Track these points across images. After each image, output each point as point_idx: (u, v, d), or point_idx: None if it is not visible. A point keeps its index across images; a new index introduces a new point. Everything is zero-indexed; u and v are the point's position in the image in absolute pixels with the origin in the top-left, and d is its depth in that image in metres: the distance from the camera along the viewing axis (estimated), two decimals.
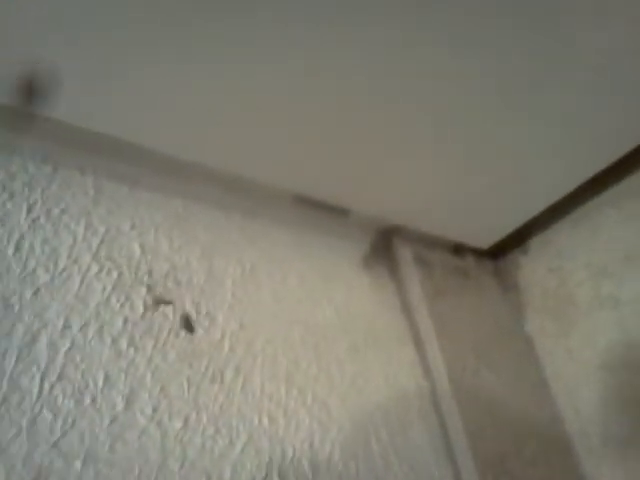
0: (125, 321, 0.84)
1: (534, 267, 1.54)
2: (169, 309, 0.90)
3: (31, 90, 0.84)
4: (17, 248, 0.80)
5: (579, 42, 0.95)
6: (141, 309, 0.87)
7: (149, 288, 0.90)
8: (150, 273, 0.91)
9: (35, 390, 0.72)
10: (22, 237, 0.82)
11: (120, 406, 0.78)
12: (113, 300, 0.85)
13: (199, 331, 0.91)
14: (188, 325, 0.90)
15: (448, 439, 1.15)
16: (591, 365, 1.35)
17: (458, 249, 1.54)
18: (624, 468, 1.26)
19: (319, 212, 1.23)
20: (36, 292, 0.79)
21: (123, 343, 0.82)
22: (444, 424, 1.17)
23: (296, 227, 1.20)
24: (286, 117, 0.99)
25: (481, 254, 1.59)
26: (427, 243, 1.46)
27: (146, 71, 0.86)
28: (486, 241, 1.55)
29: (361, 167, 1.15)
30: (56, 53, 0.80)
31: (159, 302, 0.89)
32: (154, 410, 0.80)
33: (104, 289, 0.85)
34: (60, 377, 0.75)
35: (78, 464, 0.70)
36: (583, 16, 0.91)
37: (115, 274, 0.87)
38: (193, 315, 0.92)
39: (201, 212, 1.05)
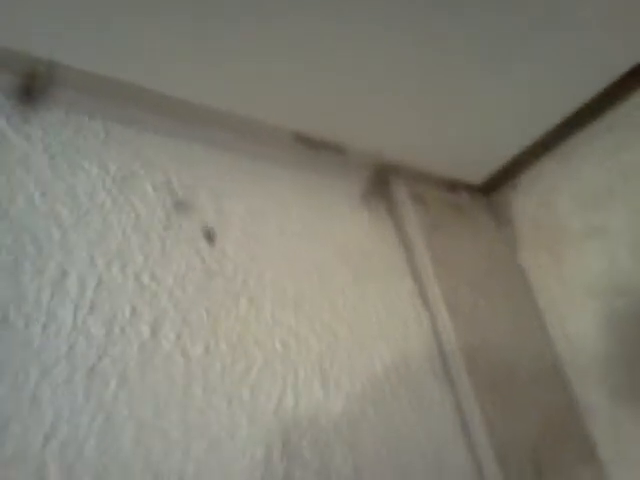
0: (146, 258, 0.90)
1: (525, 201, 1.60)
2: (188, 229, 0.97)
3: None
4: (42, 193, 0.86)
5: None
6: (159, 244, 0.92)
7: (165, 218, 0.96)
8: (164, 210, 0.97)
9: (69, 320, 0.78)
10: (45, 180, 0.87)
11: (146, 335, 0.84)
12: (133, 238, 0.90)
13: (213, 265, 0.97)
14: (218, 234, 0.98)
15: (446, 364, 1.23)
16: (581, 293, 1.43)
17: (452, 186, 1.59)
18: (609, 386, 1.35)
19: (318, 151, 1.27)
20: (63, 232, 0.84)
21: (145, 277, 0.88)
22: (442, 350, 1.24)
23: (296, 167, 1.25)
24: (285, 55, 1.02)
25: (475, 190, 1.64)
26: (422, 180, 1.50)
27: (148, 16, 0.89)
28: (479, 177, 1.60)
29: (357, 105, 1.18)
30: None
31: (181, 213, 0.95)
32: (177, 338, 0.87)
33: (123, 229, 0.90)
34: (91, 309, 0.81)
35: (114, 385, 0.77)
36: None
37: (132, 214, 0.93)
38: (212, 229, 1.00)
39: (208, 154, 1.10)
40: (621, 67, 1.26)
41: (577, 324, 1.43)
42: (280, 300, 1.03)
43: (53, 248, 0.82)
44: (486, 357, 1.27)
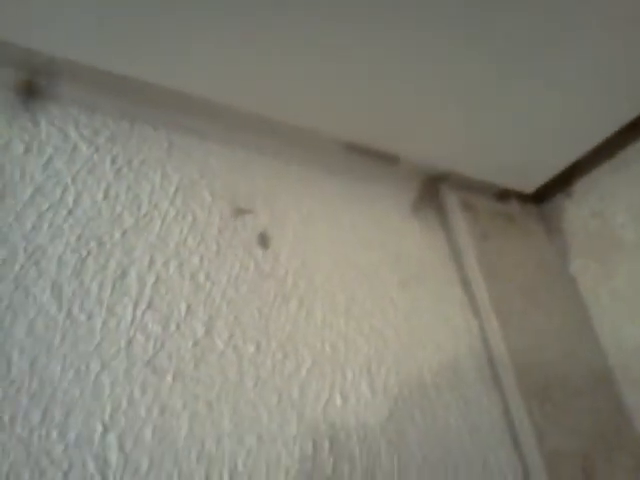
0: (201, 259, 0.94)
1: (578, 211, 1.57)
2: (243, 233, 1.00)
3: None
4: (105, 195, 0.91)
5: None
6: (214, 247, 0.97)
7: (221, 222, 1.00)
8: (221, 215, 1.01)
9: (129, 317, 0.83)
10: (109, 185, 0.92)
11: (201, 332, 0.88)
12: (190, 240, 0.95)
13: (266, 267, 1.00)
14: (272, 239, 1.02)
15: (495, 371, 1.22)
16: (634, 304, 1.40)
17: (503, 195, 1.58)
18: None
19: (369, 160, 1.29)
20: (124, 233, 0.89)
21: (201, 277, 0.92)
22: (491, 358, 1.24)
23: (347, 175, 1.27)
24: (336, 69, 1.04)
25: (525, 199, 1.62)
26: (473, 189, 1.50)
27: (208, 28, 0.93)
28: (531, 185, 1.57)
29: (408, 114, 1.19)
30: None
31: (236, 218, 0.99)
32: (230, 336, 0.90)
33: (181, 231, 0.95)
34: (149, 306, 0.85)
35: (169, 379, 0.81)
36: None
37: (190, 218, 0.97)
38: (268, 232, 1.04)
39: (262, 162, 1.14)
40: None
41: (629, 335, 1.40)
42: (330, 304, 1.05)
43: (114, 248, 0.87)
44: (536, 365, 1.25)
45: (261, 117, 1.12)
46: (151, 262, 0.89)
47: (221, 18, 0.91)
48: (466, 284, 1.34)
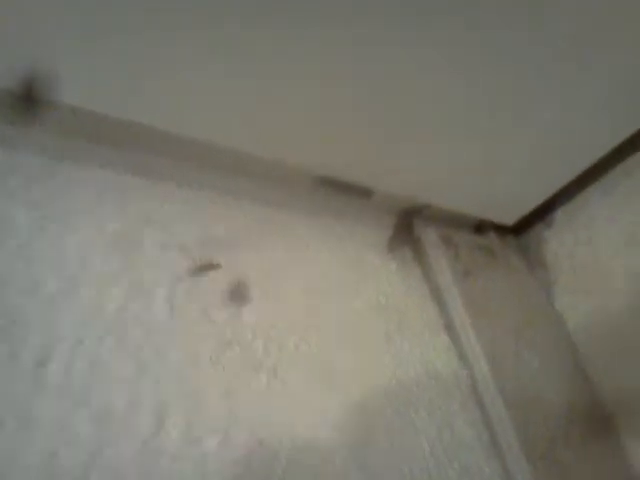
0: (147, 331, 0.76)
1: (561, 240, 1.46)
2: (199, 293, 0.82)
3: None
4: (19, 255, 0.71)
5: None
6: (164, 314, 0.77)
7: (171, 282, 0.81)
8: (171, 272, 0.82)
9: (48, 418, 0.63)
10: (24, 242, 0.72)
11: (149, 429, 0.69)
12: (132, 308, 0.76)
13: (228, 333, 0.82)
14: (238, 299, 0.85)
15: (493, 431, 1.08)
16: (631, 341, 1.27)
17: (480, 227, 1.47)
18: None
19: (340, 195, 1.16)
20: (43, 304, 0.69)
21: (147, 355, 0.73)
22: (487, 414, 1.10)
23: (318, 213, 1.13)
24: (305, 99, 0.93)
25: (504, 230, 1.52)
26: (449, 222, 1.39)
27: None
28: (511, 217, 1.48)
29: (383, 146, 1.09)
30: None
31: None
32: (188, 429, 0.71)
33: (120, 297, 0.76)
34: (77, 402, 0.66)
35: None
36: None
37: (131, 279, 0.78)
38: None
39: (222, 203, 0.98)
40: None
41: (628, 378, 1.28)
42: (307, 371, 0.88)
43: (32, 326, 0.67)
44: (536, 420, 1.13)
45: (218, 149, 0.96)
46: (79, 341, 0.69)
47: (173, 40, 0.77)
48: (451, 328, 1.21)
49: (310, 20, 0.79)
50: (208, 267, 0.86)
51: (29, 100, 0.77)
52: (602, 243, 1.36)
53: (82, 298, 0.73)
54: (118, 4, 0.72)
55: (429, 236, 1.32)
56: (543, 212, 1.48)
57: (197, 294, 0.83)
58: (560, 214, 1.46)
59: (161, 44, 0.78)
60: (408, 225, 1.32)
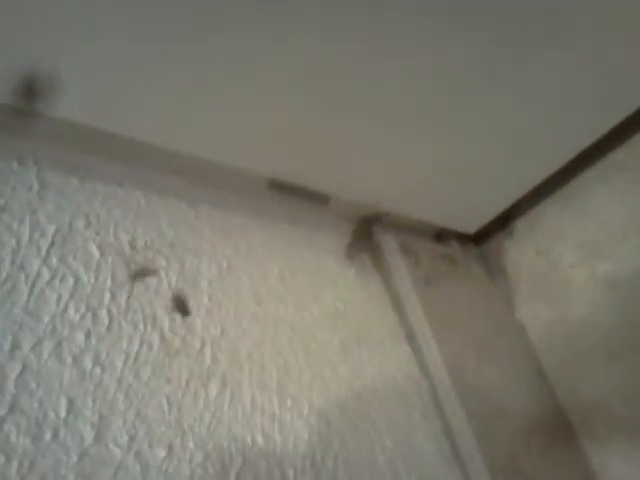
0: (87, 336, 0.70)
1: (521, 250, 1.45)
2: (143, 298, 0.77)
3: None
4: None
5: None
6: (105, 319, 0.73)
7: (114, 285, 0.76)
8: (113, 275, 0.77)
9: None
10: None
11: (89, 438, 0.64)
12: (71, 312, 0.71)
13: (176, 342, 0.78)
14: (182, 308, 0.80)
15: (454, 442, 1.06)
16: (592, 351, 1.27)
17: (441, 235, 1.46)
18: (631, 456, 1.19)
19: (295, 200, 1.13)
20: None
21: (87, 362, 0.69)
22: (449, 427, 1.08)
23: (272, 218, 1.09)
24: (260, 98, 0.90)
25: (465, 239, 1.51)
26: (410, 230, 1.37)
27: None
28: (472, 225, 1.47)
29: (341, 150, 1.07)
30: None
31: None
32: (131, 439, 0.67)
33: (59, 300, 0.71)
34: (11, 410, 0.61)
35: None
36: None
37: (71, 281, 0.73)
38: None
39: (167, 205, 0.93)
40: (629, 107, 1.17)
41: (589, 385, 1.27)
42: (259, 380, 0.84)
43: None
44: (498, 431, 1.11)
45: (164, 150, 0.92)
46: (15, 346, 0.65)
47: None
48: (412, 338, 1.18)
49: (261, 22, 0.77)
50: (151, 272, 0.82)
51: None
52: (562, 252, 1.36)
53: (17, 302, 0.68)
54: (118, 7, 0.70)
55: (388, 243, 1.30)
56: (504, 221, 1.48)
57: (140, 300, 0.79)
58: (521, 223, 1.46)
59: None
60: (367, 232, 1.29)
